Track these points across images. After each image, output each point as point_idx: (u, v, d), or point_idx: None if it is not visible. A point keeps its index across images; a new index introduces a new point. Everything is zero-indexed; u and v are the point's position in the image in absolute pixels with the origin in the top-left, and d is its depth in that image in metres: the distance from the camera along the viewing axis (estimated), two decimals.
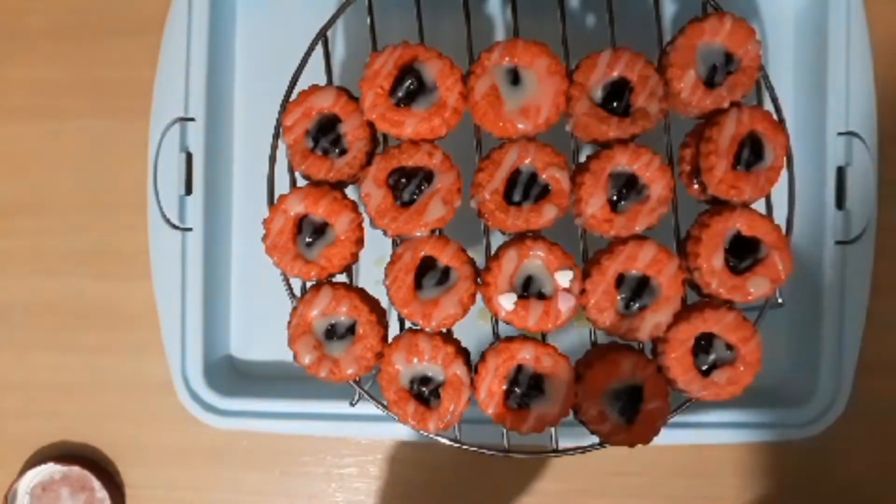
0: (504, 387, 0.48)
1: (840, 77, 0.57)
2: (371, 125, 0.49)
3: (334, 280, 0.50)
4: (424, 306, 0.47)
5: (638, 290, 0.47)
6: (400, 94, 0.47)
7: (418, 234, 0.48)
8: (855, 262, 0.58)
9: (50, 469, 0.61)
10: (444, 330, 0.49)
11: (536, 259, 0.47)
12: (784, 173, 0.49)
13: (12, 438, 0.64)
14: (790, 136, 0.49)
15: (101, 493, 0.61)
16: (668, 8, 0.60)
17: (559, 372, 0.47)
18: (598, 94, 0.48)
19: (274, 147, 0.51)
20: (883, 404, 0.61)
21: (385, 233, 0.49)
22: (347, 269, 0.50)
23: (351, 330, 0.48)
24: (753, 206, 0.49)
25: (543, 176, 0.47)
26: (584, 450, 0.51)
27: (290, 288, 0.51)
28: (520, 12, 0.51)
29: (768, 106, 0.50)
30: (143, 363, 0.63)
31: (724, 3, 0.51)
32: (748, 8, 0.60)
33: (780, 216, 0.50)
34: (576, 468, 0.62)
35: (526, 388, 0.47)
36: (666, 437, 0.49)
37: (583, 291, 0.48)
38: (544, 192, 0.47)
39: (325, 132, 0.49)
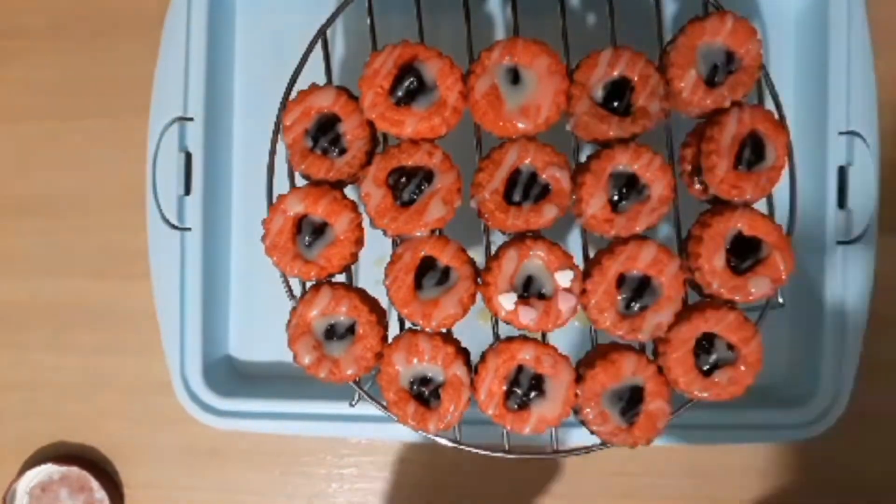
0: (504, 387, 0.47)
1: (841, 76, 0.57)
2: (371, 124, 0.49)
3: (334, 280, 0.50)
4: (424, 306, 0.47)
5: (639, 290, 0.47)
6: (400, 94, 0.47)
7: (418, 234, 0.48)
8: (856, 262, 0.58)
9: (49, 469, 0.61)
10: (444, 330, 0.49)
11: (536, 259, 0.47)
12: (785, 173, 0.49)
13: (12, 438, 0.64)
14: (791, 135, 0.49)
15: (100, 494, 0.61)
16: (669, 7, 0.60)
17: (559, 372, 0.47)
18: (599, 93, 0.48)
19: (273, 146, 0.51)
20: (883, 404, 0.61)
21: (385, 233, 0.48)
22: (347, 269, 0.50)
23: (351, 330, 0.48)
24: (755, 205, 0.49)
25: (543, 176, 0.47)
26: (584, 450, 0.51)
27: (289, 288, 0.51)
28: (520, 11, 0.51)
29: (769, 105, 0.50)
30: (143, 363, 0.63)
31: (725, 2, 0.50)
32: (749, 7, 0.60)
33: (781, 216, 0.50)
34: (576, 469, 0.62)
35: (526, 389, 0.47)
36: (667, 438, 0.49)
37: (583, 291, 0.48)
38: (544, 191, 0.47)
39: (325, 131, 0.48)
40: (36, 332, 0.64)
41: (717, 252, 0.47)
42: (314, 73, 0.51)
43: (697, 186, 0.51)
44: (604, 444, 0.49)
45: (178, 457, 0.63)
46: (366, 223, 0.49)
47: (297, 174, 0.50)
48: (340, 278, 0.50)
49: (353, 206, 0.48)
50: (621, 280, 0.47)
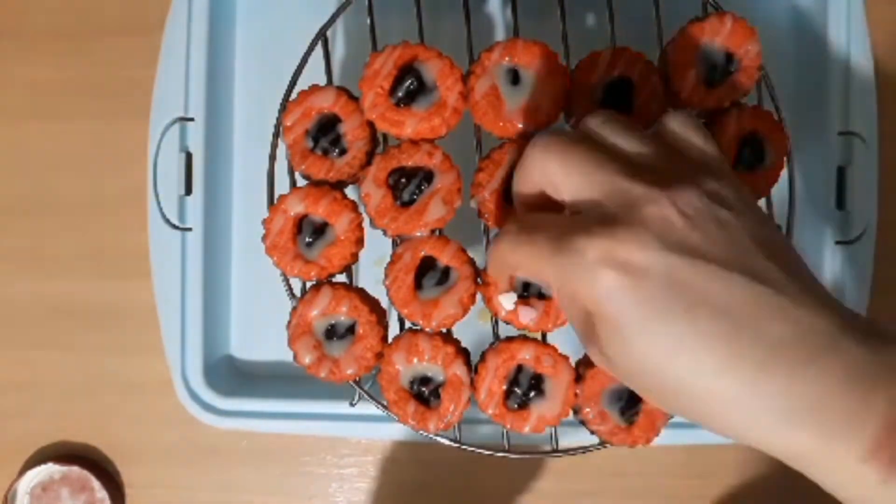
0: (504, 387, 0.47)
1: (840, 76, 0.57)
2: (371, 125, 0.49)
3: (334, 280, 0.50)
4: (424, 306, 0.47)
5: None
6: (400, 94, 0.47)
7: (418, 234, 0.48)
8: (855, 263, 0.58)
9: (50, 469, 0.61)
10: (444, 330, 0.49)
11: None
12: (784, 173, 0.49)
13: (12, 438, 0.64)
14: (790, 135, 0.49)
15: (101, 494, 0.61)
16: (669, 7, 0.60)
17: (559, 372, 0.47)
18: (599, 93, 0.48)
19: (274, 147, 0.51)
20: None
21: (385, 233, 0.48)
22: (347, 269, 0.50)
23: (351, 330, 0.48)
24: None
25: None
26: (584, 450, 0.51)
27: (289, 288, 0.51)
28: (520, 12, 0.51)
29: (768, 106, 0.50)
30: (143, 363, 0.63)
31: (724, 2, 0.51)
32: (748, 8, 0.60)
33: (780, 216, 0.50)
34: (576, 468, 0.62)
35: (526, 389, 0.47)
36: (667, 438, 0.49)
37: None
38: None
39: (325, 132, 0.48)
40: (36, 332, 0.64)
41: None
42: (314, 73, 0.51)
43: None
44: (603, 443, 0.49)
45: (179, 456, 0.63)
46: (366, 223, 0.49)
47: (297, 174, 0.50)
48: (341, 278, 0.50)
49: (354, 206, 0.49)
50: None
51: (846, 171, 0.58)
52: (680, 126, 0.39)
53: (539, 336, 0.49)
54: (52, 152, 0.64)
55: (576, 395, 0.48)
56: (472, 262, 0.48)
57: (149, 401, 0.63)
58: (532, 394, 0.47)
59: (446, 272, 0.48)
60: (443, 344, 0.48)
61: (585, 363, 0.49)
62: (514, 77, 0.48)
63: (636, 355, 0.35)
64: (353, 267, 0.51)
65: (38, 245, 0.64)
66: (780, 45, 0.61)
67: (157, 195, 0.60)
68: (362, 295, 0.49)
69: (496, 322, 0.50)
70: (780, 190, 0.49)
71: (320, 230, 0.48)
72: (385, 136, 0.50)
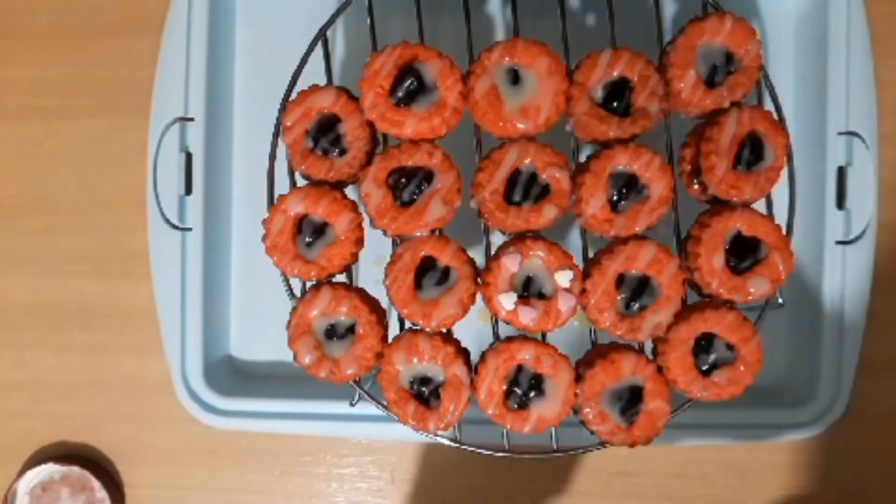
0: (504, 387, 0.47)
1: (840, 77, 0.57)
2: (371, 125, 0.49)
3: (334, 280, 0.50)
4: (424, 306, 0.47)
5: (638, 290, 0.47)
6: (400, 94, 0.47)
7: (418, 234, 0.48)
8: (855, 263, 0.58)
9: (50, 469, 0.61)
10: (444, 330, 0.49)
11: (536, 259, 0.47)
12: (784, 173, 0.49)
13: (12, 438, 0.64)
14: (790, 135, 0.49)
15: (101, 494, 0.61)
16: (669, 7, 0.60)
17: (559, 372, 0.47)
18: (599, 93, 0.48)
19: (274, 147, 0.51)
20: (883, 405, 0.61)
21: (385, 233, 0.48)
22: (347, 269, 0.50)
23: (351, 330, 0.48)
24: (754, 206, 0.49)
25: (543, 176, 0.47)
26: (584, 450, 0.51)
27: (289, 288, 0.51)
28: (520, 12, 0.51)
29: (769, 106, 0.50)
30: (143, 363, 0.63)
31: (724, 2, 0.51)
32: (748, 8, 0.60)
33: (780, 216, 0.50)
34: (576, 468, 0.62)
35: (526, 389, 0.47)
36: (666, 438, 0.49)
37: (583, 291, 0.48)
38: (544, 191, 0.47)
39: (325, 132, 0.48)
40: (36, 332, 0.64)
41: (717, 252, 0.47)
42: (315, 73, 0.51)
43: (697, 187, 0.51)
44: (603, 443, 0.49)
45: (179, 456, 0.63)
46: (366, 223, 0.49)
47: (297, 174, 0.50)
48: (341, 278, 0.50)
49: (354, 206, 0.49)
50: (621, 280, 0.47)
51: (846, 172, 0.58)
52: None
53: (539, 336, 0.49)
54: (52, 152, 0.64)
55: (576, 395, 0.48)
56: (472, 262, 0.48)
57: (149, 401, 0.63)
58: (532, 394, 0.47)
59: (446, 272, 0.48)
60: (443, 344, 0.48)
61: (585, 363, 0.49)
62: (514, 77, 0.48)
63: None
64: (353, 267, 0.51)
65: (38, 245, 0.64)
66: (780, 44, 0.61)
67: (157, 195, 0.60)
68: (362, 295, 0.49)
69: (496, 322, 0.50)
70: (780, 190, 0.49)
71: (320, 230, 0.48)
72: (385, 136, 0.50)
